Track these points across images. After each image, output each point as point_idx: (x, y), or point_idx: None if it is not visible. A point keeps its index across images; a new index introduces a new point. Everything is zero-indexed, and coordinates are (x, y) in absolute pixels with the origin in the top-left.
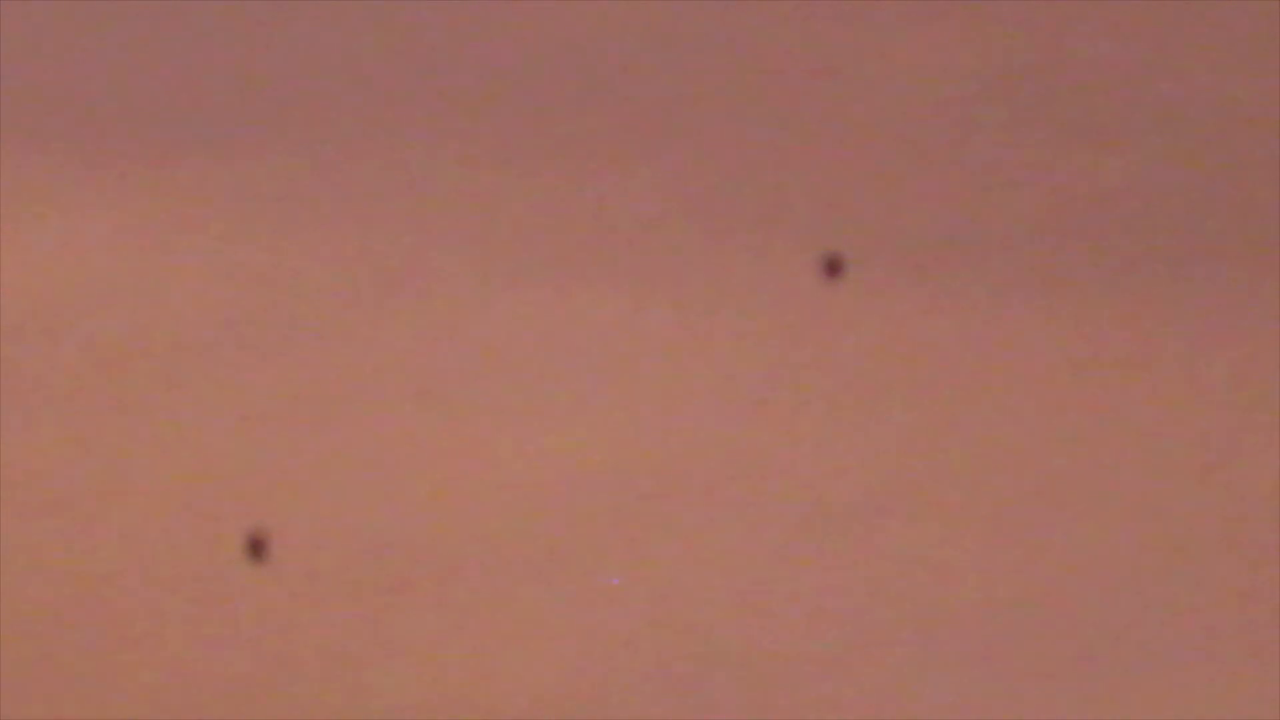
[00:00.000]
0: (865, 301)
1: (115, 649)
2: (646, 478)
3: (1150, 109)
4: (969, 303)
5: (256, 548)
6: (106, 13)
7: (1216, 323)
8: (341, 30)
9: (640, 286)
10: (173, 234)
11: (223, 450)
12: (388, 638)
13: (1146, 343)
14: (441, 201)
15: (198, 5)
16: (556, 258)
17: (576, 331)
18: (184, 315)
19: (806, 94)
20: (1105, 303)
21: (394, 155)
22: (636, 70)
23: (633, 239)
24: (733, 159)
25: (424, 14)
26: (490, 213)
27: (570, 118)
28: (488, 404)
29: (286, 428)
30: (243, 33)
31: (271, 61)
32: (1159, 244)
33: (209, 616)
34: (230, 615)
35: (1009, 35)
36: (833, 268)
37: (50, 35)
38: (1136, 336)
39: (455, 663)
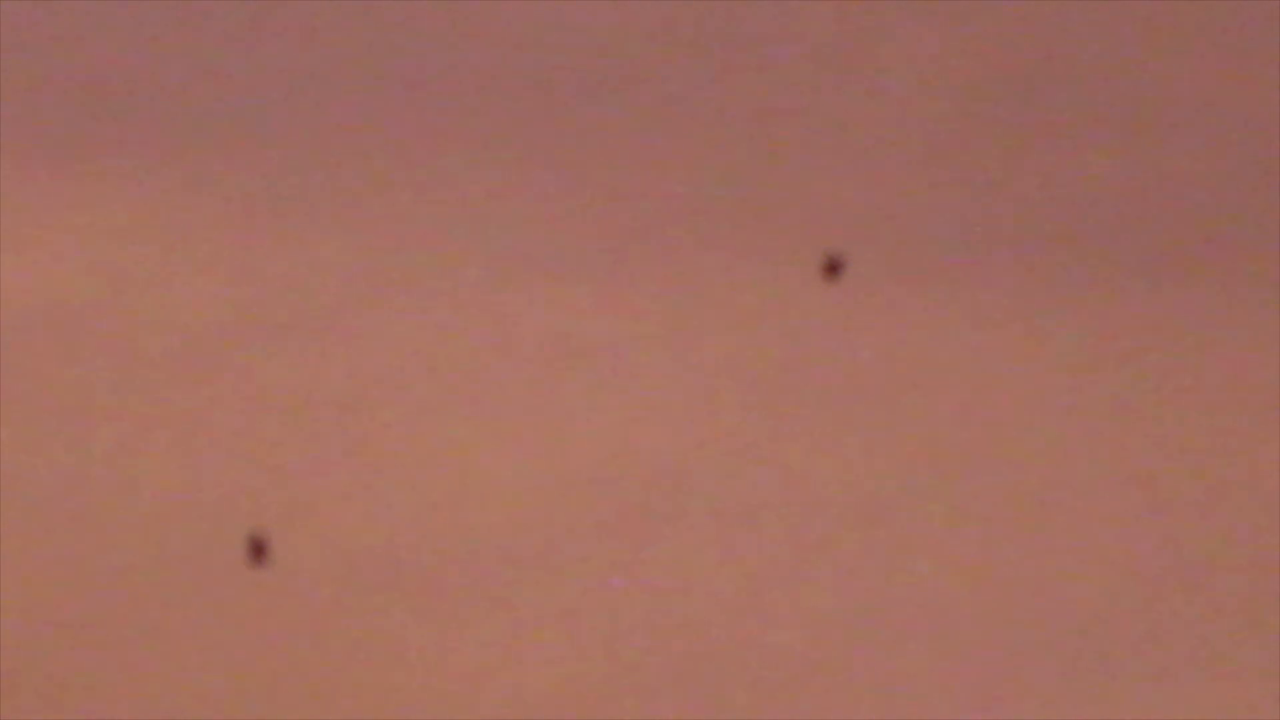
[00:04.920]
0: (865, 301)
1: (116, 649)
2: (646, 478)
3: (1149, 109)
4: (968, 303)
5: (258, 550)
6: (107, 13)
7: (1217, 322)
8: (344, 31)
9: (640, 287)
10: (174, 235)
11: (224, 452)
12: (388, 639)
13: (1146, 342)
14: (443, 202)
15: (199, 6)
16: (557, 258)
17: (577, 332)
18: (184, 317)
19: (806, 94)
20: (1105, 302)
21: (397, 156)
22: (637, 72)
23: (633, 239)
24: (732, 159)
25: (426, 15)
26: (492, 213)
27: (571, 119)
28: (489, 405)
29: (288, 430)
30: (245, 33)
31: (274, 62)
32: (1158, 244)
33: (210, 617)
34: (231, 616)
35: (1008, 35)
36: (833, 268)
37: (50, 35)
38: (1136, 336)
39: (456, 664)
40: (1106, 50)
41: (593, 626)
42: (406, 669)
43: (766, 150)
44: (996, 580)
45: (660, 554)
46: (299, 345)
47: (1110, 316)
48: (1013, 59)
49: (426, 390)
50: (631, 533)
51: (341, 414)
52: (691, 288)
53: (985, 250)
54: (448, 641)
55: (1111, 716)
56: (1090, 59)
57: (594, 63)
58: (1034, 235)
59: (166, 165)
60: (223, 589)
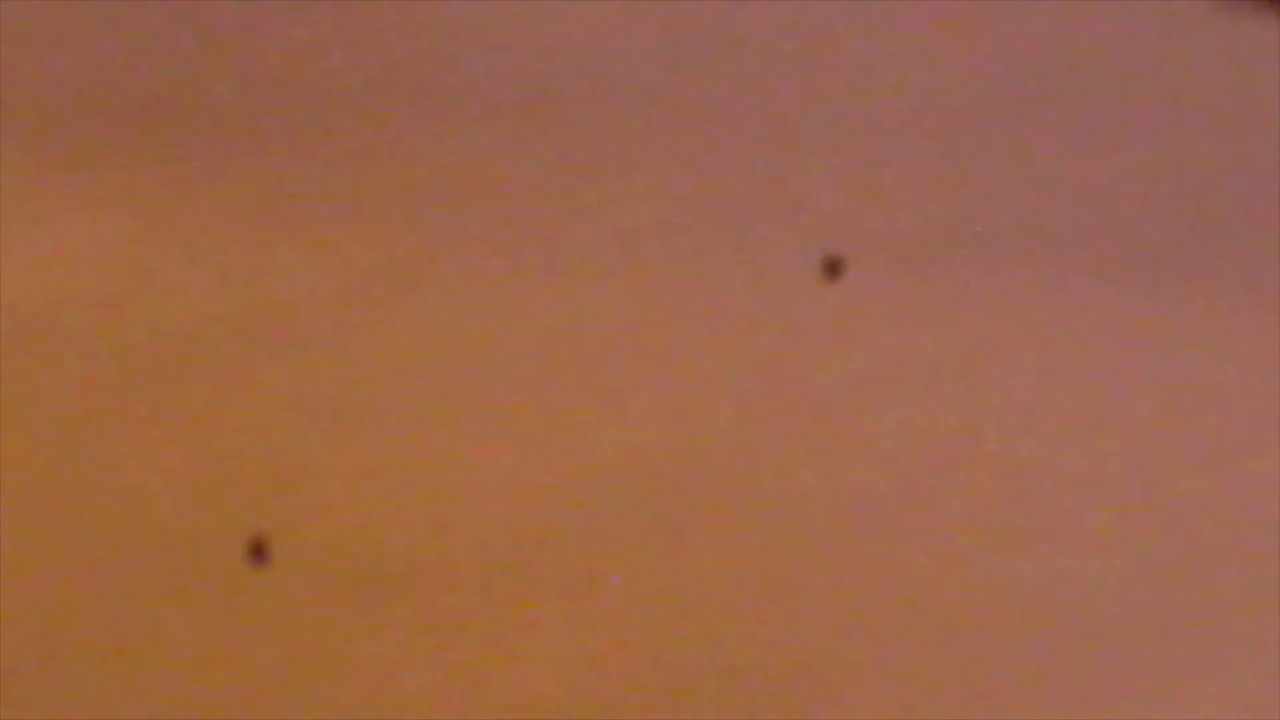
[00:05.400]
0: (865, 301)
1: (116, 651)
2: (646, 478)
3: (1150, 109)
4: (968, 302)
5: (258, 550)
6: (107, 13)
7: (1216, 322)
8: (344, 31)
9: (640, 287)
10: (174, 236)
11: (224, 453)
12: (389, 640)
13: (1146, 342)
14: (444, 202)
15: (200, 5)
16: (557, 259)
17: (577, 333)
18: (185, 318)
19: (806, 94)
20: (1105, 302)
21: (397, 157)
22: (638, 71)
23: (633, 240)
24: (733, 159)
25: (426, 14)
26: (492, 213)
27: (572, 118)
28: (489, 406)
29: (288, 430)
30: (245, 33)
31: (274, 62)
32: (1158, 243)
33: (211, 619)
34: (232, 618)
35: (1009, 35)
36: (833, 268)
37: (50, 35)
38: (1136, 336)
39: (456, 666)
40: (1107, 50)
41: (594, 626)
42: (408, 670)
43: (766, 150)
44: (998, 580)
45: (661, 554)
46: (299, 346)
47: (1112, 316)
48: (1015, 59)
49: (427, 390)
50: (632, 533)
51: (343, 415)
52: (691, 287)
53: (986, 250)
54: (450, 642)
55: (1114, 717)
56: (1093, 59)
57: (594, 63)
58: (1035, 235)
59: (165, 167)
60: (223, 590)
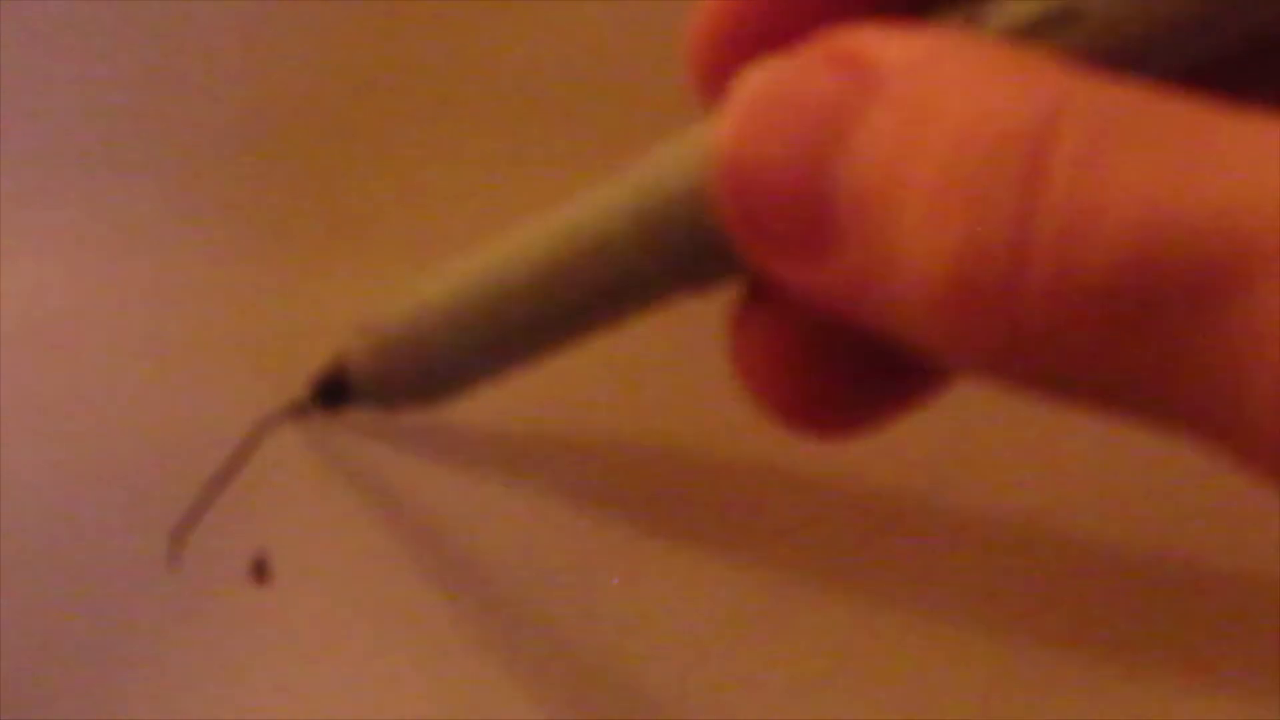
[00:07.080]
0: None
1: (115, 667)
2: (647, 481)
3: None
4: None
5: (260, 570)
6: (108, 12)
7: None
8: (344, 32)
9: None
10: (174, 239)
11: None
12: (392, 659)
13: None
14: (442, 204)
15: (201, 6)
16: None
17: None
18: (185, 322)
19: None
20: None
21: (396, 158)
22: (638, 70)
23: None
24: None
25: (425, 14)
26: (491, 214)
27: (571, 118)
28: None
29: (291, 448)
30: (246, 34)
31: (274, 63)
32: None
33: (212, 638)
34: (233, 637)
35: None
36: None
37: (51, 34)
38: None
39: (460, 683)
40: None
41: (599, 641)
42: (410, 684)
43: None
44: (1007, 585)
45: (662, 561)
46: (301, 353)
47: None
48: None
49: None
50: (633, 537)
51: None
52: None
53: None
54: (453, 658)
55: (1116, 717)
56: None
57: (595, 62)
58: None
59: (165, 170)
60: (224, 609)
